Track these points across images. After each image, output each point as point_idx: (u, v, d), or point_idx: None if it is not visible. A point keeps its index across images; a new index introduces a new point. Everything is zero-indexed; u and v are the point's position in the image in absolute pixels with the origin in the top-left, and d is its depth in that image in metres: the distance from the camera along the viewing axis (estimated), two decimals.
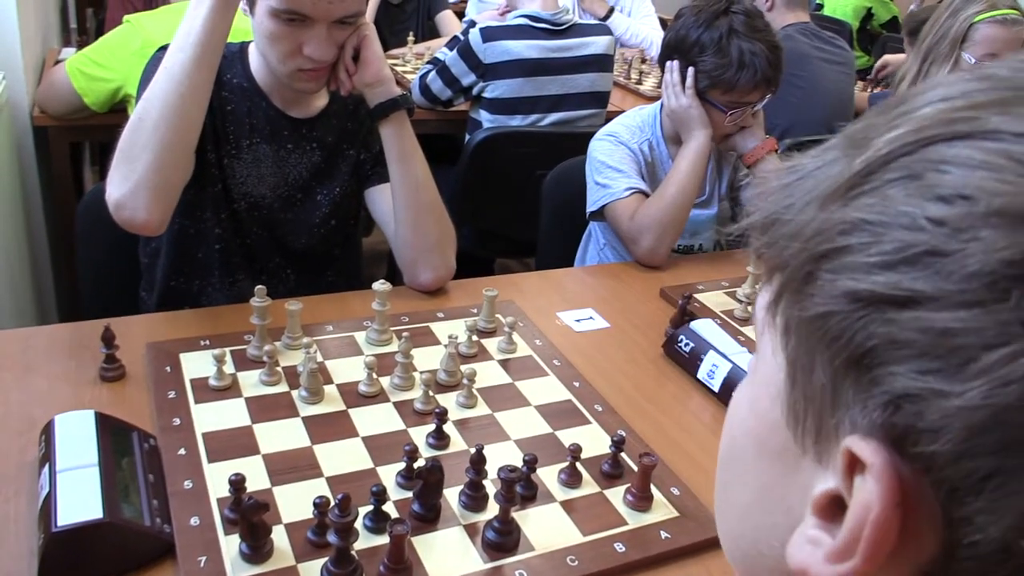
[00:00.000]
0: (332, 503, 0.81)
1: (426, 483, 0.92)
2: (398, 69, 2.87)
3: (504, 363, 1.27)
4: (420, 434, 1.08)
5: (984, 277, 0.26)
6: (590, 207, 1.77)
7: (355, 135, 1.51)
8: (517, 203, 2.38)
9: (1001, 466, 0.25)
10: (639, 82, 3.26)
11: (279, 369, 1.16)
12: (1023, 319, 0.25)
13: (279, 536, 0.88)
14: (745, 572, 0.39)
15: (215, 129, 1.39)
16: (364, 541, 0.89)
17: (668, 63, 1.71)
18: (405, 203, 1.42)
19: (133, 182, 1.23)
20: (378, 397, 1.14)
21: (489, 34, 2.38)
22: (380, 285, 1.25)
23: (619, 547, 0.93)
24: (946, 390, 0.26)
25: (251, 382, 1.14)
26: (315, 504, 0.86)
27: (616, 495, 1.01)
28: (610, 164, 1.74)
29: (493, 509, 0.94)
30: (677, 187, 1.65)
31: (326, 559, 0.84)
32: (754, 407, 0.37)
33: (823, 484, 0.31)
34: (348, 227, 1.56)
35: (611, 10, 3.42)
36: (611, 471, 1.04)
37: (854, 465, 0.29)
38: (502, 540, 0.91)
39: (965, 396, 0.26)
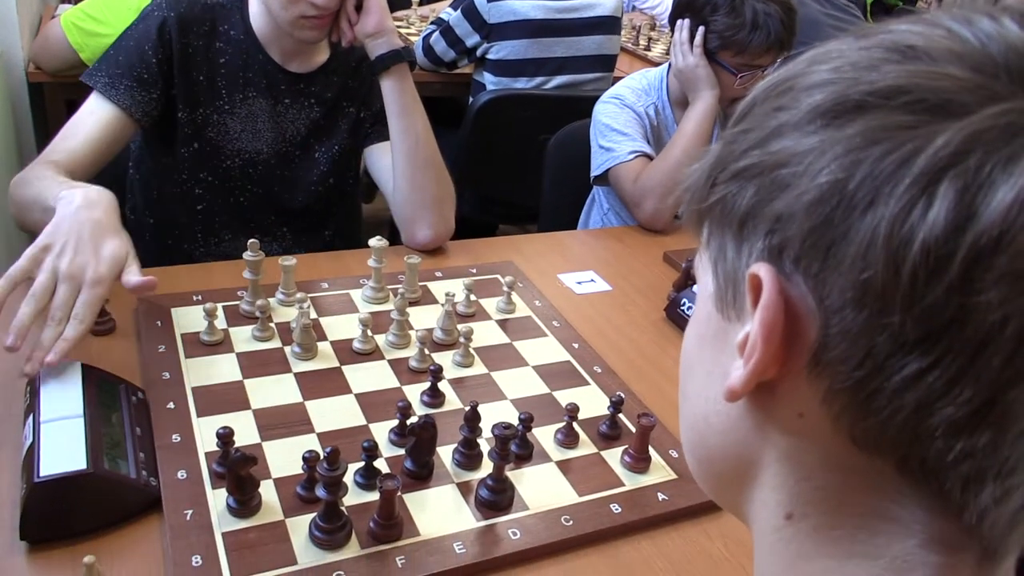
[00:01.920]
0: (321, 457, 0.80)
1: (419, 440, 0.91)
2: (402, 31, 2.83)
3: (502, 323, 1.25)
4: (415, 392, 1.06)
5: (802, 122, 0.37)
6: (594, 171, 1.74)
7: (356, 92, 1.48)
8: (520, 168, 2.35)
9: (828, 234, 0.35)
10: (647, 48, 3.22)
11: (272, 325, 1.14)
12: (835, 141, 0.35)
13: (267, 491, 0.87)
14: (700, 455, 0.46)
15: (194, 85, 1.36)
16: (355, 497, 0.88)
17: (679, 21, 1.67)
18: (404, 158, 1.39)
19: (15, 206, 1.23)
20: (373, 355, 1.13)
21: None
22: (377, 241, 1.23)
23: (615, 508, 0.92)
24: (792, 193, 0.36)
25: (243, 337, 1.12)
26: (304, 458, 0.85)
27: (613, 456, 1.00)
28: (615, 127, 1.71)
29: (487, 467, 0.93)
30: (682, 149, 1.62)
31: (315, 514, 0.83)
32: (694, 320, 0.46)
33: (743, 331, 0.39)
34: (346, 186, 1.53)
35: None
36: (609, 432, 1.02)
37: (756, 290, 0.37)
38: (496, 498, 0.89)
39: (801, 189, 0.36)
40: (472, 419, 0.94)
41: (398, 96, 1.37)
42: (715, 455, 0.45)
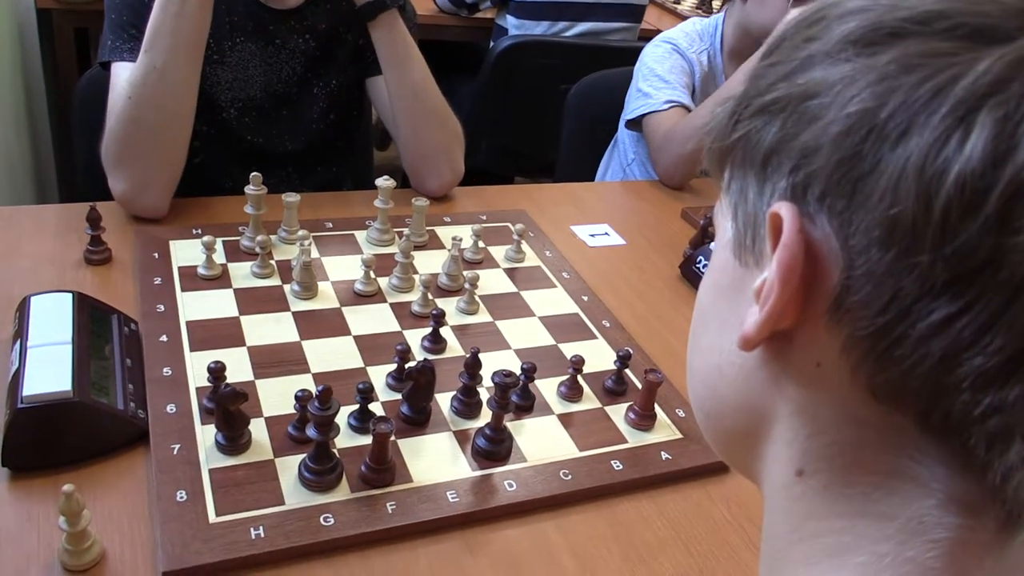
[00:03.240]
0: (313, 396, 0.78)
1: (416, 384, 0.89)
2: None
3: (510, 272, 1.22)
4: (415, 337, 1.04)
5: (833, 51, 0.35)
6: (628, 115, 1.70)
7: (353, 16, 1.41)
8: (538, 118, 2.31)
9: (856, 168, 0.33)
10: (676, 2, 3.14)
11: (272, 262, 1.12)
12: (868, 69, 0.33)
13: (258, 429, 0.86)
14: (710, 409, 0.45)
15: None
16: (347, 440, 0.87)
17: None
18: (403, 111, 1.35)
19: (141, 181, 1.18)
20: (374, 297, 1.11)
21: None
22: (383, 181, 1.20)
23: (616, 464, 0.90)
24: (820, 125, 0.34)
25: (242, 273, 1.10)
26: (297, 397, 0.83)
27: (618, 412, 0.97)
28: (658, 72, 1.65)
29: (486, 417, 0.91)
30: (709, 110, 1.57)
31: (305, 455, 0.81)
32: (711, 270, 0.44)
33: (761, 277, 0.37)
34: (350, 121, 1.48)
35: None
36: (614, 387, 1.00)
37: (777, 231, 0.35)
38: (493, 448, 0.87)
39: (829, 119, 0.34)
40: (473, 366, 0.92)
41: (388, 46, 1.31)
42: (726, 409, 0.43)
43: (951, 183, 0.30)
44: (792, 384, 0.38)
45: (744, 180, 0.39)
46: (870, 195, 0.32)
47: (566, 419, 0.95)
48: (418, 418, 0.90)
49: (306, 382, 0.93)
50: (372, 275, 1.11)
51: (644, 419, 0.96)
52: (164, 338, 0.96)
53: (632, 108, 1.68)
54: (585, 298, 1.19)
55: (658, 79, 1.65)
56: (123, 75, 1.20)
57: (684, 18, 2.90)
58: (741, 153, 0.39)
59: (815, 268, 0.35)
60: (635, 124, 1.69)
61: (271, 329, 1.01)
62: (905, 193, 0.31)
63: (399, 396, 0.92)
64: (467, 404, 0.93)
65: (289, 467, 0.82)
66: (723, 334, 0.42)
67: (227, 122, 1.37)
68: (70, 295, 0.93)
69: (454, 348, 1.04)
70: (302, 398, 0.83)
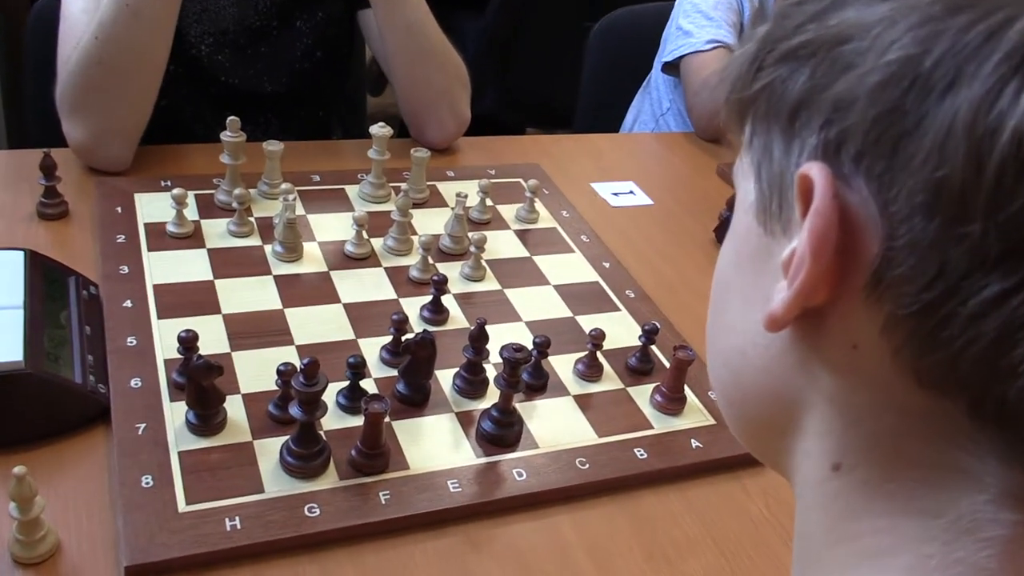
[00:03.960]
0: (298, 370, 0.78)
1: (414, 359, 0.88)
2: None
3: (522, 233, 1.22)
4: (414, 305, 1.04)
5: None
6: (665, 56, 1.68)
7: None
8: (555, 60, 2.29)
9: (898, 124, 0.32)
10: None
11: (251, 219, 1.12)
12: (909, 9, 0.33)
13: (234, 407, 0.86)
14: (733, 396, 0.45)
15: None
16: (336, 421, 0.87)
17: None
18: (397, 53, 1.33)
19: (102, 130, 1.18)
20: (367, 260, 1.11)
21: None
22: (379, 129, 1.19)
23: (640, 453, 0.89)
24: (855, 74, 0.34)
25: (217, 231, 1.10)
26: (279, 371, 0.83)
27: (642, 394, 0.97)
28: (701, 8, 1.64)
29: (493, 397, 0.91)
30: None
31: (287, 437, 0.81)
32: (731, 237, 0.44)
33: (789, 247, 0.37)
34: (339, 60, 1.47)
35: None
36: (639, 366, 1.00)
37: (807, 194, 0.35)
38: (501, 433, 0.87)
39: (866, 68, 0.33)
40: (478, 339, 0.91)
41: None
42: (751, 396, 0.43)
43: (1006, 141, 0.30)
44: (825, 368, 0.38)
45: (768, 136, 0.39)
46: (913, 155, 0.32)
47: (583, 401, 0.95)
48: (416, 397, 0.90)
49: (289, 355, 0.93)
50: (365, 235, 1.11)
51: (672, 402, 0.95)
52: (128, 303, 0.96)
53: (670, 49, 1.66)
54: (606, 264, 1.18)
55: (701, 15, 1.63)
56: (76, 5, 1.19)
57: None
58: (765, 105, 0.39)
59: (851, 238, 0.35)
60: (673, 68, 1.67)
61: (250, 295, 1.01)
62: (953, 152, 0.31)
63: (394, 372, 0.92)
64: (471, 382, 0.92)
65: (269, 450, 0.82)
66: (746, 312, 0.42)
67: (197, 60, 1.35)
68: (21, 253, 0.93)
69: (457, 318, 1.04)
70: (285, 373, 0.82)
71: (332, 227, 1.15)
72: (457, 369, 0.94)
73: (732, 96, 0.41)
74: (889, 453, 0.37)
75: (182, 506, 0.75)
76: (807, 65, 0.36)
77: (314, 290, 1.04)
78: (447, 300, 1.04)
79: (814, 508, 0.41)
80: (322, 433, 0.83)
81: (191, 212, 1.12)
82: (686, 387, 0.97)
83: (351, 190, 1.24)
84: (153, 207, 1.12)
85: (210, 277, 1.03)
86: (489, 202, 1.24)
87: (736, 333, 0.43)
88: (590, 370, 0.98)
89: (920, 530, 0.36)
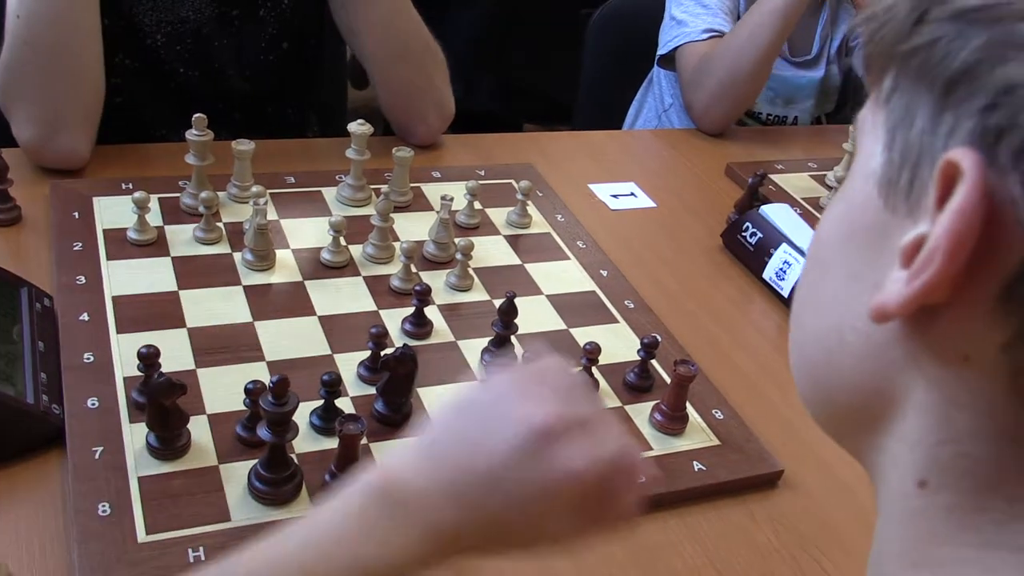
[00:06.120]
0: (267, 388, 0.78)
1: (393, 376, 0.89)
2: None
3: (513, 239, 1.23)
4: (394, 318, 1.05)
5: None
6: (661, 49, 1.70)
7: None
8: (552, 51, 2.30)
9: None
10: None
11: (219, 225, 1.13)
12: None
13: (199, 429, 0.86)
14: (822, 380, 0.44)
15: None
16: (309, 443, 0.87)
17: None
18: (375, 50, 1.34)
19: (49, 121, 1.18)
20: (345, 269, 1.11)
21: None
22: (358, 126, 1.20)
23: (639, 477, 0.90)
24: None
25: (183, 238, 1.11)
26: (247, 390, 0.84)
27: (641, 412, 0.98)
28: None
29: None
30: (748, 31, 1.56)
31: (256, 461, 0.82)
32: (842, 199, 0.43)
33: (914, 232, 0.36)
34: (309, 51, 1.48)
35: None
36: (638, 382, 1.01)
37: (949, 181, 0.34)
38: None
39: None
40: (508, 312, 0.92)
41: None
42: (842, 383, 0.43)
43: None
44: (928, 374, 0.38)
45: (915, 98, 0.37)
46: None
47: None
48: (395, 417, 0.91)
49: (259, 371, 0.94)
50: (343, 242, 1.11)
51: (673, 421, 0.96)
52: (85, 316, 0.97)
53: (665, 41, 1.68)
54: (604, 272, 1.19)
55: (695, 3, 1.65)
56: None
57: None
58: (919, 63, 0.37)
59: (992, 239, 0.34)
60: (669, 61, 1.68)
61: (217, 307, 1.02)
62: None
63: (372, 390, 0.93)
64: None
65: (237, 475, 0.82)
66: (850, 291, 0.41)
67: (153, 51, 1.36)
68: None
69: (441, 332, 1.04)
70: (253, 391, 0.83)
71: (307, 233, 1.16)
72: (440, 386, 0.94)
73: (880, 44, 0.39)
74: (983, 481, 0.37)
75: (142, 536, 0.76)
76: (981, 32, 0.34)
77: (287, 301, 1.05)
78: (431, 312, 1.05)
79: (894, 522, 0.40)
80: (294, 456, 0.83)
81: (154, 217, 1.12)
82: (688, 405, 0.97)
83: (328, 193, 1.25)
84: (113, 212, 1.13)
85: (174, 288, 1.03)
86: (478, 205, 1.25)
87: (835, 313, 0.42)
88: None
89: (1009, 567, 0.36)
